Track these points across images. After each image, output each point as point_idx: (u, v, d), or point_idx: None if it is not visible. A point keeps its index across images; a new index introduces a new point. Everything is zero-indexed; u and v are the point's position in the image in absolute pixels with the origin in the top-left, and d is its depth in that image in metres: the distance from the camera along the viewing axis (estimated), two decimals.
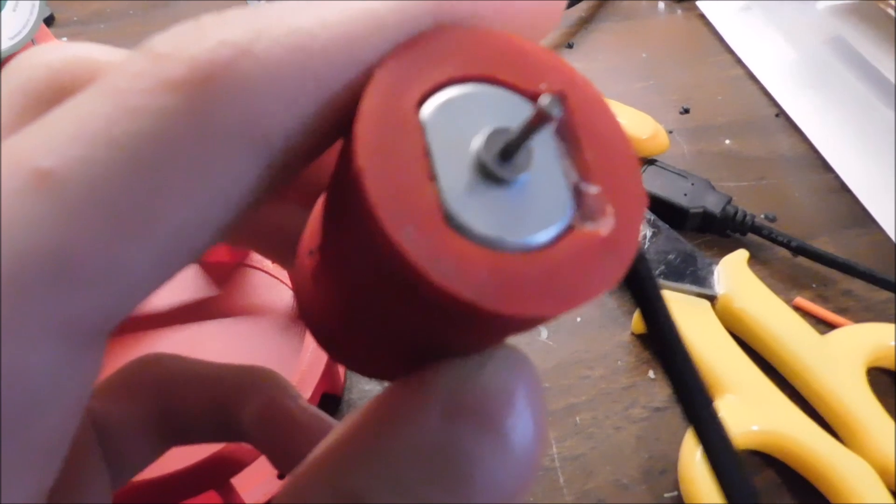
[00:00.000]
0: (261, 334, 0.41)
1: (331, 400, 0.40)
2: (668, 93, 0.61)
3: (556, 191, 0.14)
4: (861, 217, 0.52)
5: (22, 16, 0.53)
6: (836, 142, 0.57)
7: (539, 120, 0.13)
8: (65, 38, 0.59)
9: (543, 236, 0.14)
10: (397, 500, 0.12)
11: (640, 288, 0.16)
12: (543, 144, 0.14)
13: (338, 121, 0.14)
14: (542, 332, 0.45)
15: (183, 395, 0.21)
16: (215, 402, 0.21)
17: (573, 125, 0.15)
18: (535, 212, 0.14)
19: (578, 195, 0.14)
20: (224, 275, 0.43)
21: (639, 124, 0.53)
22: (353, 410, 0.15)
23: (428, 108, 0.14)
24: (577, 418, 0.41)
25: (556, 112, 0.13)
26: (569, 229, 0.14)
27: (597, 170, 0.14)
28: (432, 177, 0.13)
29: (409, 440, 0.13)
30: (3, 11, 0.53)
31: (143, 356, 0.21)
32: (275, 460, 0.22)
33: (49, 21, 0.63)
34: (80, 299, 0.11)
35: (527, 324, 0.14)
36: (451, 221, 0.13)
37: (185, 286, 0.43)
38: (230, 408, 0.21)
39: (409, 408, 0.13)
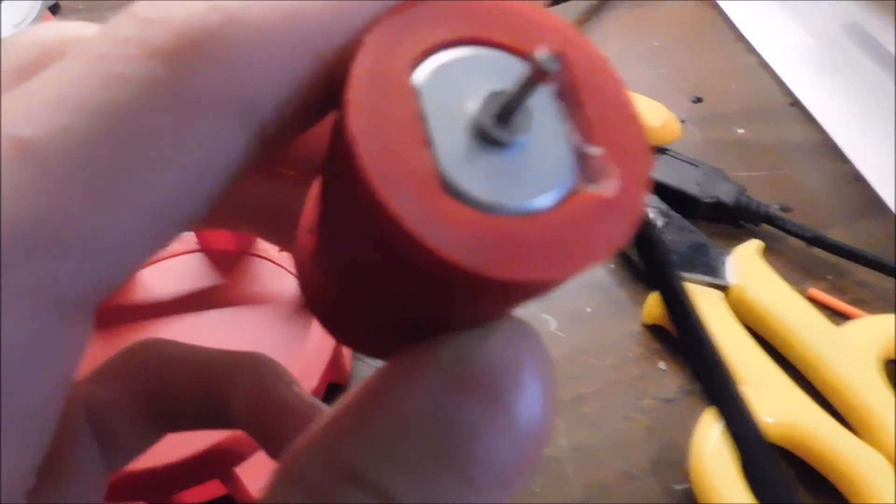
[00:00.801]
0: (265, 323, 0.40)
1: (337, 389, 0.39)
2: (680, 81, 0.60)
3: (557, 153, 0.14)
4: (877, 206, 0.51)
5: (25, 3, 0.52)
6: (852, 130, 0.56)
7: (536, 76, 0.13)
8: None
9: (545, 200, 0.13)
10: (395, 474, 0.12)
11: (657, 265, 0.16)
12: (543, 106, 0.14)
13: (331, 89, 0.13)
14: (551, 322, 0.44)
15: (174, 381, 0.21)
16: (206, 388, 0.21)
17: (574, 85, 0.14)
18: (536, 175, 0.13)
19: (581, 157, 0.14)
20: (229, 263, 0.43)
21: (651, 113, 0.52)
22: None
23: (421, 73, 0.13)
24: (586, 409, 0.41)
25: (554, 67, 0.13)
26: (572, 192, 0.13)
27: (600, 131, 0.14)
28: (428, 142, 0.13)
29: (408, 412, 0.12)
30: None
31: (138, 341, 0.21)
32: (268, 448, 0.22)
33: (55, 9, 0.62)
34: (63, 269, 0.11)
35: (530, 290, 0.13)
36: (447, 187, 0.13)
37: (189, 275, 0.42)
38: (221, 394, 0.21)
39: (410, 379, 0.13)
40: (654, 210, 0.47)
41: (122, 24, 0.12)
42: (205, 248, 0.43)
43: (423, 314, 0.14)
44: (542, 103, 0.14)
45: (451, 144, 0.13)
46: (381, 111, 0.13)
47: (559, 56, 0.14)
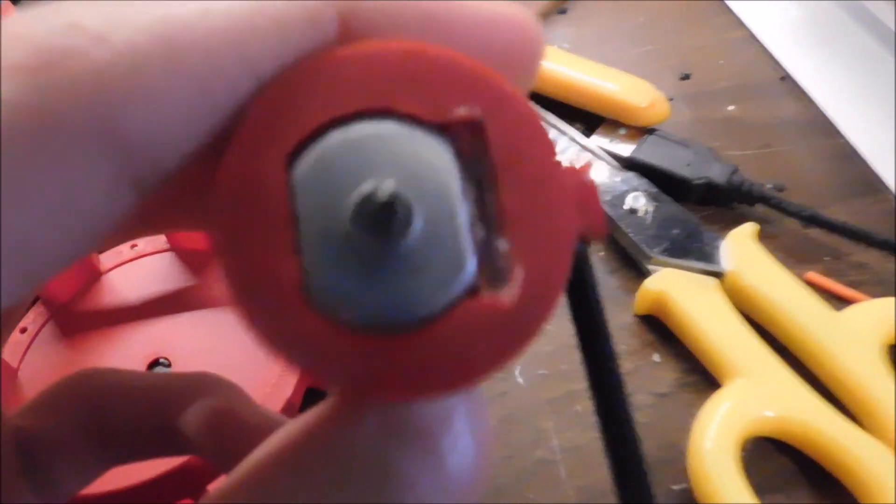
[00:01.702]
0: (240, 326, 0.38)
1: (316, 394, 0.38)
2: (667, 58, 0.58)
3: (453, 250, 0.12)
4: (873, 184, 0.50)
5: None
6: (846, 105, 0.54)
7: (386, 209, 0.11)
8: None
9: (429, 309, 0.12)
10: None
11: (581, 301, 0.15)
12: (442, 192, 0.12)
13: (228, 128, 0.12)
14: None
15: (120, 411, 0.19)
16: (155, 415, 0.20)
17: (492, 162, 0.12)
18: (421, 281, 0.12)
19: (487, 250, 0.12)
20: (200, 263, 0.41)
21: (637, 92, 0.50)
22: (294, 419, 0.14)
23: (302, 164, 0.12)
24: (578, 406, 0.39)
25: (388, 197, 0.11)
26: (468, 295, 0.12)
27: (514, 219, 0.12)
28: (297, 249, 0.12)
29: (340, 453, 0.12)
30: None
31: (77, 372, 0.20)
32: (227, 471, 0.20)
33: None
34: None
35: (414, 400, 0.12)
36: (314, 302, 0.12)
37: (158, 276, 0.40)
38: (172, 419, 0.19)
39: (346, 422, 0.12)
40: (645, 194, 0.46)
41: None
42: (175, 248, 0.41)
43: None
44: (441, 186, 0.12)
45: (321, 252, 0.12)
46: (249, 216, 0.12)
47: (477, 128, 0.12)
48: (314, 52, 0.12)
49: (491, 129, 0.12)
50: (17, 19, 0.11)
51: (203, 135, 0.12)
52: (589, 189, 0.13)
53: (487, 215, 0.12)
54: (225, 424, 0.19)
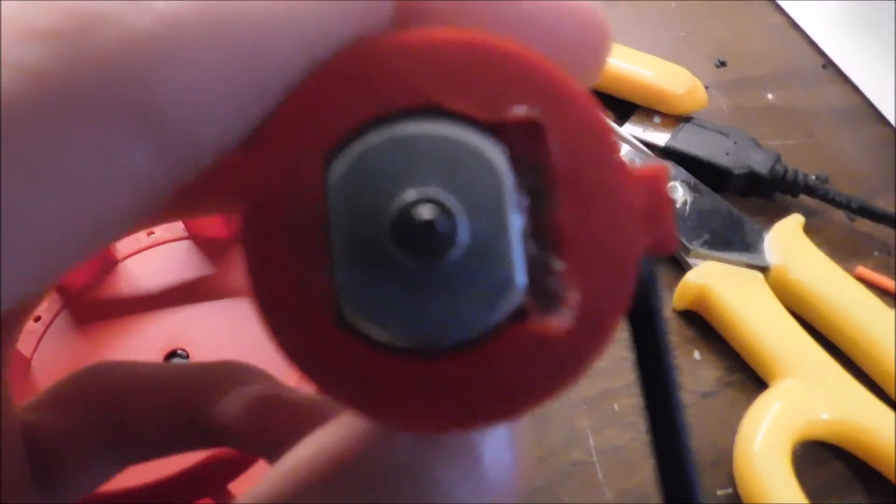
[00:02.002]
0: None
1: None
2: (702, 45, 0.56)
3: (499, 270, 0.11)
4: None
5: None
6: (891, 91, 0.52)
7: (426, 229, 0.10)
8: None
9: (466, 335, 0.11)
10: None
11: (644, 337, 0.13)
12: (496, 201, 0.11)
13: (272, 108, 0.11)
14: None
15: (140, 405, 0.18)
16: (182, 407, 0.19)
17: (552, 170, 0.11)
18: (463, 302, 0.11)
19: (539, 269, 0.11)
20: (219, 251, 0.39)
21: (673, 79, 0.48)
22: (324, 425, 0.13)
23: (339, 167, 0.11)
24: (616, 405, 0.37)
25: (428, 216, 0.10)
26: (515, 317, 0.11)
27: (573, 236, 0.11)
28: (330, 263, 0.11)
29: (377, 463, 0.12)
30: None
31: (91, 365, 0.19)
32: (271, 457, 0.19)
33: None
34: None
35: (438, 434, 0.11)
36: (345, 321, 0.11)
37: (176, 264, 0.39)
38: (202, 409, 0.19)
39: (381, 428, 0.12)
40: (682, 184, 0.44)
41: (9, 4, 0.10)
42: (193, 236, 0.40)
43: None
44: (495, 195, 0.11)
45: (354, 266, 0.11)
46: (279, 217, 0.11)
47: (535, 132, 0.11)
48: (363, 37, 0.11)
49: (551, 132, 0.11)
50: None
51: (248, 118, 0.11)
52: (661, 199, 0.11)
53: (541, 230, 0.11)
54: (272, 410, 0.19)
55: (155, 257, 0.39)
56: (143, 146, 0.10)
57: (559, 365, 0.11)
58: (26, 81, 0.09)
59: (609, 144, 0.11)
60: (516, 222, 0.11)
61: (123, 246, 0.40)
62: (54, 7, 0.09)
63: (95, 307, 0.38)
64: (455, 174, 0.11)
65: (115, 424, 0.18)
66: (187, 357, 0.36)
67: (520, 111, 0.11)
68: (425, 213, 0.10)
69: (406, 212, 0.10)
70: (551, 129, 0.11)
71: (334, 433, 0.13)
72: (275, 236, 0.11)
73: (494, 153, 0.11)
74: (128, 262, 0.39)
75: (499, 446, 0.12)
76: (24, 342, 0.36)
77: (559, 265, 0.11)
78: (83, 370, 0.19)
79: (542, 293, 0.11)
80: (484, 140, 0.11)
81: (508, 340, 0.11)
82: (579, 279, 0.11)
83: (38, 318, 0.37)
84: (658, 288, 0.13)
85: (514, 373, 0.11)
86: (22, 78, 0.09)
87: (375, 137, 0.11)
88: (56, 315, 0.37)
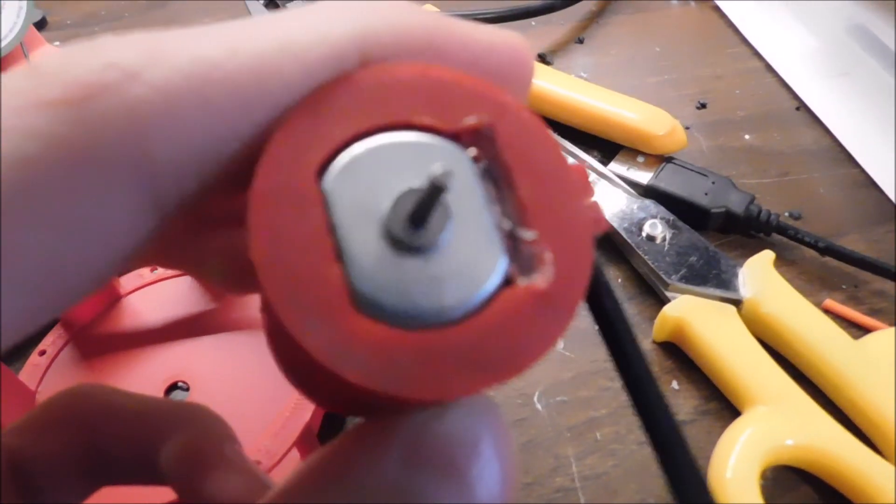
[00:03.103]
0: (260, 349, 0.38)
1: (334, 419, 0.38)
2: (684, 87, 0.58)
3: (484, 244, 0.13)
4: (890, 212, 0.50)
5: (8, 18, 0.50)
6: (861, 134, 0.54)
7: (433, 193, 0.12)
8: (57, 43, 0.57)
9: (469, 302, 0.12)
10: None
11: (601, 304, 0.15)
12: (467, 192, 0.13)
13: (251, 157, 0.12)
14: (559, 342, 0.42)
15: (109, 431, 0.19)
16: (138, 441, 0.19)
17: (505, 162, 0.13)
18: (460, 275, 0.12)
19: (513, 243, 0.13)
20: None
21: (654, 120, 0.50)
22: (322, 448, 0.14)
23: (332, 174, 0.13)
24: (598, 433, 0.39)
25: (449, 181, 0.12)
26: (504, 285, 0.13)
27: (533, 211, 0.13)
28: (338, 255, 0.12)
29: (366, 483, 0.12)
30: None
31: (70, 389, 0.19)
32: None
33: (41, 24, 0.61)
34: None
35: (464, 395, 0.12)
36: (360, 305, 0.12)
37: (178, 299, 0.40)
38: (153, 446, 0.19)
39: (369, 451, 0.13)
40: (662, 221, 0.46)
41: (17, 77, 0.12)
42: None
43: (369, 405, 0.13)
44: (466, 188, 0.13)
45: (362, 255, 0.12)
46: (286, 227, 0.12)
47: (488, 133, 0.13)
48: (340, 73, 0.13)
49: (499, 133, 0.13)
50: (54, 56, 0.12)
51: (225, 160, 0.12)
52: (589, 186, 0.14)
53: (509, 210, 0.13)
54: (201, 462, 0.19)
55: (158, 292, 0.41)
56: (139, 195, 0.12)
57: (550, 315, 0.12)
58: (39, 145, 0.11)
59: (549, 140, 0.13)
60: (489, 206, 0.13)
61: (127, 281, 0.41)
62: (62, 79, 0.11)
63: (100, 341, 0.39)
64: (435, 169, 0.12)
65: (88, 450, 0.18)
66: (188, 389, 0.37)
67: (472, 120, 0.13)
68: (428, 193, 0.12)
69: (406, 193, 0.12)
70: (499, 131, 0.13)
71: (323, 455, 0.13)
72: (286, 244, 0.12)
73: (459, 154, 0.13)
74: (131, 297, 0.40)
75: (485, 463, 0.13)
76: (30, 375, 0.37)
77: (530, 235, 0.13)
78: (61, 394, 0.19)
79: (522, 261, 0.13)
80: (448, 145, 0.13)
81: (503, 303, 0.12)
82: (550, 242, 0.13)
83: (43, 352, 0.38)
84: (605, 271, 0.15)
85: (515, 328, 0.12)
86: (36, 142, 0.11)
87: (359, 150, 0.13)
88: (61, 349, 0.38)
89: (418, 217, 0.12)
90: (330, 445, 0.13)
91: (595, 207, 0.13)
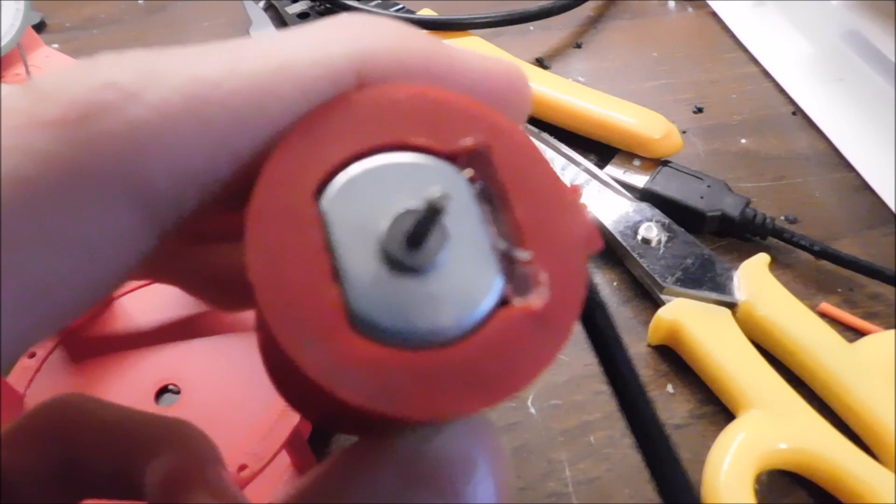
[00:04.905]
0: (252, 352, 0.38)
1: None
2: (681, 92, 0.58)
3: (480, 265, 0.13)
4: (885, 216, 0.50)
5: (6, 19, 0.50)
6: (856, 138, 0.54)
7: (431, 215, 0.12)
8: (55, 45, 0.57)
9: (466, 323, 0.12)
10: None
11: (595, 322, 0.15)
12: (463, 213, 0.13)
13: (249, 176, 0.13)
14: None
15: (91, 444, 0.18)
16: (121, 455, 0.18)
17: (501, 183, 0.13)
18: (457, 295, 0.12)
19: (509, 263, 0.13)
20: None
21: (650, 124, 0.50)
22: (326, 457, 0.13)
23: (329, 195, 0.13)
24: (592, 437, 0.39)
25: (447, 203, 0.12)
26: (500, 305, 0.13)
27: (528, 231, 0.13)
28: (336, 275, 0.12)
29: (360, 499, 0.12)
30: None
31: (54, 399, 0.19)
32: None
33: (40, 27, 0.61)
34: None
35: (461, 416, 0.12)
36: (357, 325, 0.12)
37: (171, 302, 0.40)
38: (135, 464, 0.18)
39: (366, 470, 0.13)
40: (657, 224, 0.46)
41: (15, 96, 0.12)
42: None
43: (364, 424, 0.13)
44: (461, 209, 0.13)
45: (359, 275, 0.12)
46: (283, 247, 0.12)
47: (483, 154, 0.13)
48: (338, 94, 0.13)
49: (494, 154, 0.13)
50: (53, 74, 0.12)
51: (222, 179, 0.12)
52: (583, 206, 0.14)
53: (505, 230, 0.13)
54: (184, 485, 0.18)
55: (150, 295, 0.41)
56: (136, 212, 0.12)
57: (546, 334, 0.12)
58: (37, 164, 0.11)
59: (542, 161, 0.14)
60: (485, 226, 0.13)
61: None
62: (60, 99, 0.11)
63: (90, 344, 0.39)
64: (433, 191, 0.12)
65: (70, 462, 0.18)
66: (179, 392, 0.37)
67: (468, 141, 0.13)
68: (426, 214, 0.12)
69: (403, 214, 0.12)
70: (494, 152, 0.13)
71: (317, 475, 0.13)
72: (283, 264, 0.12)
73: (454, 175, 0.13)
74: (123, 299, 0.40)
75: (479, 480, 0.13)
76: (19, 378, 0.37)
77: (525, 255, 0.13)
78: (44, 405, 0.18)
79: (517, 281, 0.13)
80: (444, 165, 0.13)
81: (500, 323, 0.12)
82: (545, 262, 0.13)
83: (32, 355, 0.38)
84: (598, 290, 0.15)
85: (512, 347, 0.12)
86: (34, 161, 0.11)
87: (356, 171, 0.13)
88: (51, 352, 0.38)
89: (415, 238, 0.12)
90: (324, 465, 0.13)
91: (590, 226, 0.14)
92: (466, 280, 0.13)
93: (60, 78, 0.12)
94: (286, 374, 0.13)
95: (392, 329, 0.12)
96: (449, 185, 0.13)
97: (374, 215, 0.13)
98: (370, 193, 0.13)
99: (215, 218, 0.13)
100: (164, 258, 0.17)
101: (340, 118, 0.13)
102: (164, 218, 0.12)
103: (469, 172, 0.13)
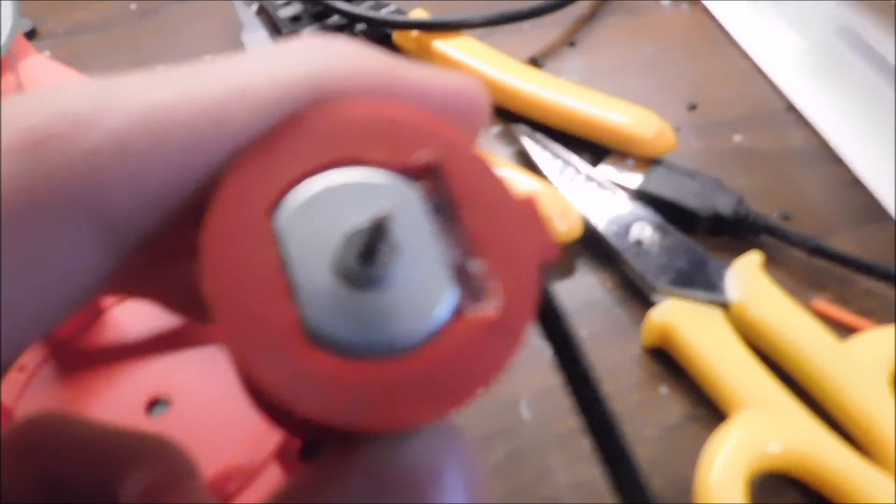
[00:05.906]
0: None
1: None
2: (675, 89, 0.58)
3: (434, 276, 0.13)
4: (878, 212, 0.49)
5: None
6: (849, 134, 0.54)
7: (377, 230, 0.12)
8: (47, 52, 0.57)
9: (421, 333, 0.13)
10: None
11: (554, 329, 0.16)
12: (416, 227, 0.13)
13: (209, 193, 0.13)
14: (545, 348, 0.42)
15: (70, 461, 0.18)
16: (100, 472, 0.18)
17: (452, 196, 0.14)
18: (411, 307, 0.13)
19: (463, 274, 0.13)
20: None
21: (643, 123, 0.50)
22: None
23: (283, 213, 0.13)
24: (585, 441, 0.39)
25: (392, 219, 0.12)
26: (455, 315, 0.13)
27: (482, 242, 0.13)
28: (291, 291, 0.12)
29: None
30: None
31: (34, 416, 0.19)
32: None
33: (31, 34, 0.61)
34: None
35: (420, 425, 0.13)
36: (314, 339, 0.12)
37: (161, 313, 0.40)
38: (112, 482, 0.18)
39: (332, 482, 0.13)
40: (650, 224, 0.45)
41: None
42: None
43: (331, 435, 0.13)
44: (414, 223, 0.13)
45: (314, 291, 0.12)
46: (238, 265, 0.12)
47: (435, 169, 0.14)
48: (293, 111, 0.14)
49: (448, 169, 0.14)
50: (10, 102, 0.12)
51: (180, 199, 0.13)
52: (539, 212, 0.14)
53: (457, 242, 0.14)
54: (153, 500, 0.18)
55: (140, 306, 0.40)
56: (96, 236, 0.12)
57: (501, 341, 0.13)
58: None
59: (493, 176, 0.14)
60: (438, 239, 0.13)
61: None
62: (16, 126, 0.11)
63: (80, 356, 0.38)
64: (382, 207, 0.13)
65: (49, 480, 0.18)
66: (169, 404, 0.37)
67: (422, 156, 0.14)
68: (383, 216, 0.12)
69: (356, 229, 0.13)
70: (447, 166, 0.14)
71: (285, 488, 0.13)
72: (239, 282, 0.12)
73: (408, 189, 0.13)
74: (114, 310, 0.40)
75: (447, 489, 0.13)
76: (8, 392, 0.37)
77: (478, 266, 0.13)
78: (23, 423, 0.18)
79: (471, 291, 0.13)
80: (398, 180, 0.14)
81: (455, 332, 0.13)
82: (498, 272, 0.13)
83: (22, 368, 0.37)
84: (553, 293, 0.16)
85: (468, 356, 0.13)
86: None
87: (311, 188, 0.13)
88: (41, 364, 0.38)
89: (366, 253, 0.12)
90: (293, 477, 0.14)
91: (545, 236, 0.14)
92: (420, 292, 0.13)
93: (17, 106, 0.12)
94: (251, 391, 0.14)
95: (348, 342, 0.12)
96: (401, 200, 0.13)
97: (328, 231, 0.13)
98: (324, 210, 0.13)
99: (181, 234, 0.14)
100: (137, 275, 0.17)
101: (295, 136, 0.13)
102: (124, 238, 0.12)
103: (422, 187, 0.14)
